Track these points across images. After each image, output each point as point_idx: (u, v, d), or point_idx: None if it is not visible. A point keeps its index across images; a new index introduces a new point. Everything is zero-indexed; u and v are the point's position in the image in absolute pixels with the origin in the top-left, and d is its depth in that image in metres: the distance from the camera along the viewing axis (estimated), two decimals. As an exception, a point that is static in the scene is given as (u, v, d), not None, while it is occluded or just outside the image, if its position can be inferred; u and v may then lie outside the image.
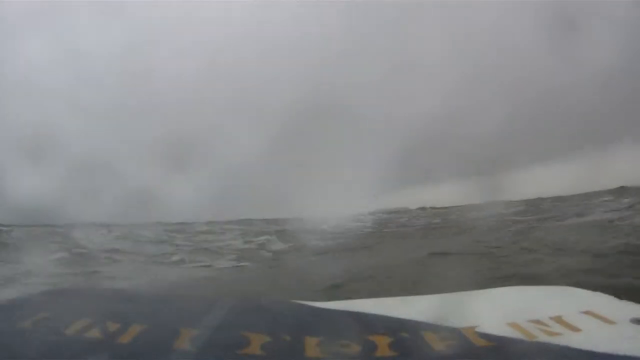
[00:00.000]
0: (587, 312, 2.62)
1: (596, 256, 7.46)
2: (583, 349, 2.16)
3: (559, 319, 2.54)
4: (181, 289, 7.18)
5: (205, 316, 2.67)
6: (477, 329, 2.42)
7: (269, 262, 11.04)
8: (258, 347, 2.29)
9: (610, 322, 2.50)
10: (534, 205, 18.39)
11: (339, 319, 2.77)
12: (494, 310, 2.75)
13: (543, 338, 2.34)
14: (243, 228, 16.66)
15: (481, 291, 3.32)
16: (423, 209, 23.53)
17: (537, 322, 2.51)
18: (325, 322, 2.72)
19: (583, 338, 2.29)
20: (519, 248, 9.47)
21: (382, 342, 2.31)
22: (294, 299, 3.32)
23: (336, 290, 5.86)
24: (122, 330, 2.41)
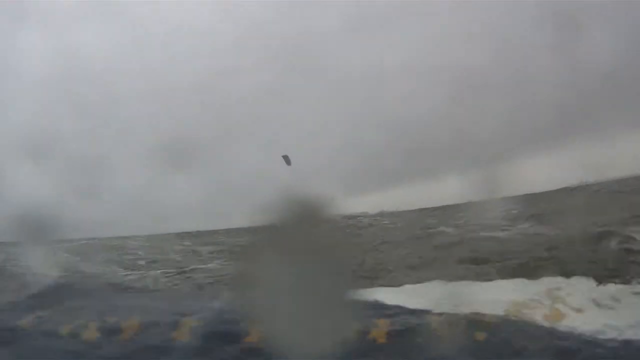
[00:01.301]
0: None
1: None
2: (583, 334, 2.15)
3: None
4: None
5: (206, 307, 2.65)
6: (478, 316, 2.40)
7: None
8: (258, 338, 2.28)
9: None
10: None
11: None
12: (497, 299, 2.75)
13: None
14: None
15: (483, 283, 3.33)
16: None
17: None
18: None
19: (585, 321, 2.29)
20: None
21: (381, 329, 2.29)
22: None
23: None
24: (121, 324, 2.40)
